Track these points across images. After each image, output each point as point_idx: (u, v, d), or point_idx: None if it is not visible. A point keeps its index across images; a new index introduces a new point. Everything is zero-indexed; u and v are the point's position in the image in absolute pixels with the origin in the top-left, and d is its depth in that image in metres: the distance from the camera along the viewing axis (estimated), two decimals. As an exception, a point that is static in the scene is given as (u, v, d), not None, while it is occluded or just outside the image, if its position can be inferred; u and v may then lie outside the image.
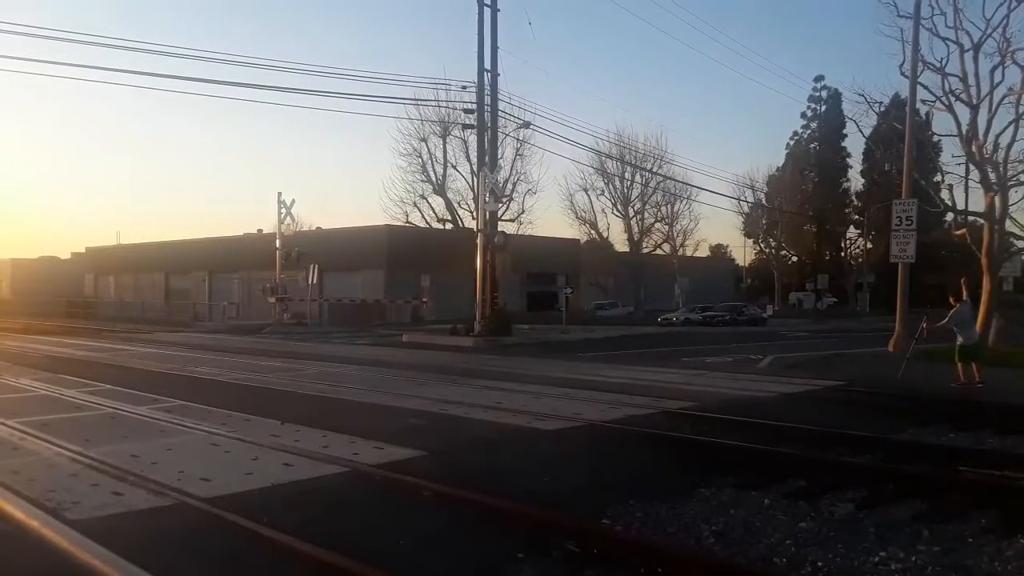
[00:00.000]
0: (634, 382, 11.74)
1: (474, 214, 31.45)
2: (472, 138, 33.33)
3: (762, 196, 63.33)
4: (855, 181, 65.40)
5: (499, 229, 27.15)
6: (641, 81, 65.41)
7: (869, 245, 60.12)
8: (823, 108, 65.35)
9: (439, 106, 38.50)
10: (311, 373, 13.85)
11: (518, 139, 38.75)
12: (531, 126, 31.98)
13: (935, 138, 30.60)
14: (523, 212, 43.41)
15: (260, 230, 47.30)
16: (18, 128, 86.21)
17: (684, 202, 53.82)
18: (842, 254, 66.22)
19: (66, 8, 69.70)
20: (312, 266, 32.97)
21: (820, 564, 4.59)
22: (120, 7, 74.59)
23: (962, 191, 29.21)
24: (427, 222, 43.51)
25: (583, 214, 53.27)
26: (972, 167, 21.97)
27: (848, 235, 66.79)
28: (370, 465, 6.25)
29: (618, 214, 53.41)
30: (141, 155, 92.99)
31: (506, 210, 38.16)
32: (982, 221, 21.52)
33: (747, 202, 61.83)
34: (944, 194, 25.29)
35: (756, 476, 6.39)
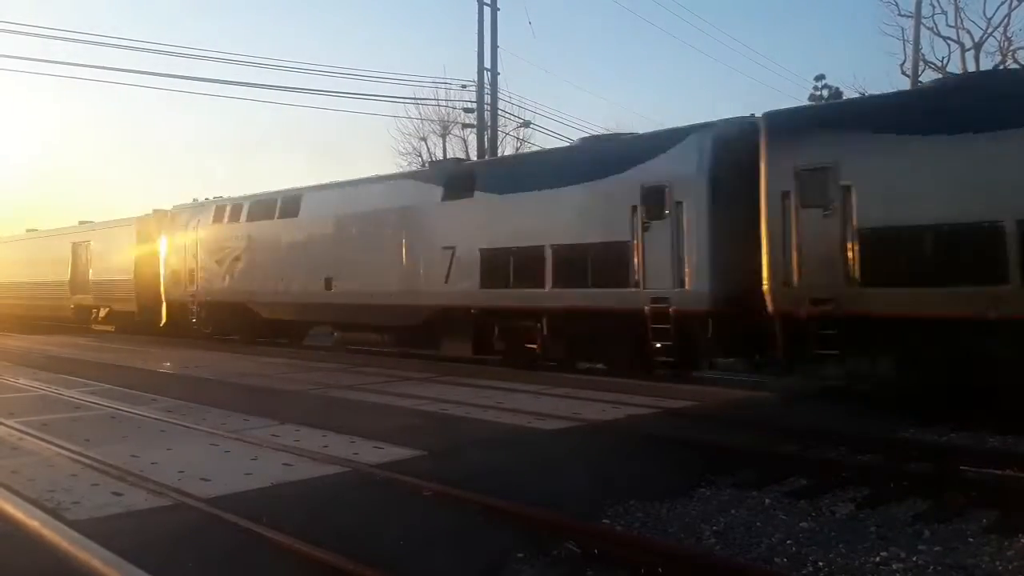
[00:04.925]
0: (634, 381, 11.73)
1: (474, 213, 31.28)
2: (472, 137, 33.26)
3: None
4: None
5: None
6: (641, 80, 65.49)
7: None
8: (823, 107, 65.28)
9: (439, 105, 38.46)
10: (321, 371, 13.85)
11: (518, 138, 38.70)
12: (531, 125, 31.99)
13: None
14: (523, 211, 43.29)
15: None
16: (25, 127, 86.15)
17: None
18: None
19: (72, 8, 69.84)
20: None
21: (821, 564, 4.60)
22: (125, 6, 74.62)
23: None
24: (428, 221, 43.37)
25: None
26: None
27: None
28: (370, 465, 6.24)
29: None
30: (140, 155, 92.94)
31: (506, 209, 37.98)
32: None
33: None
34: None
35: (756, 476, 6.40)
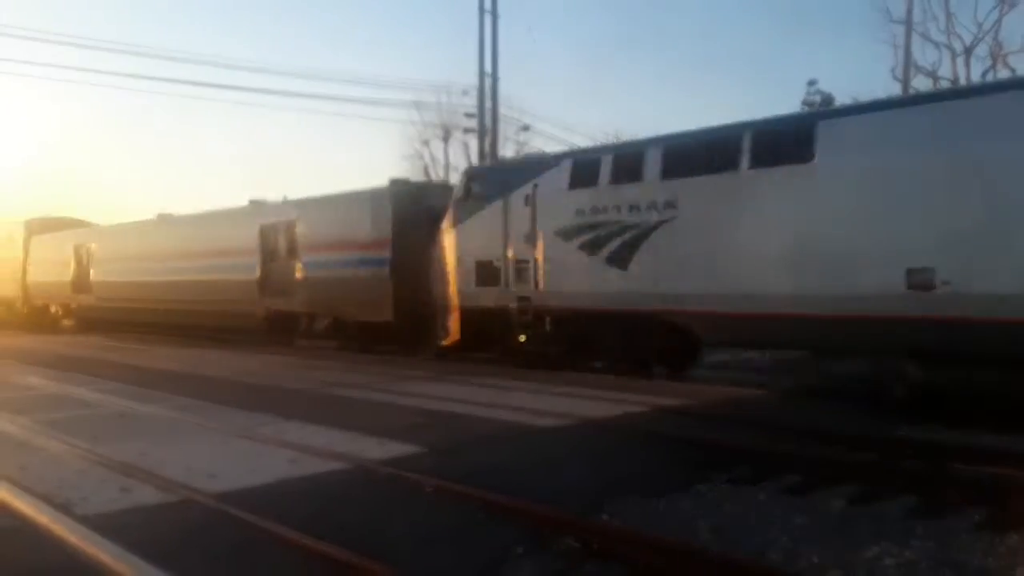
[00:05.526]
0: (633, 380, 11.80)
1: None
2: (473, 141, 33.40)
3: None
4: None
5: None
6: (639, 82, 65.72)
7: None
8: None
9: (440, 110, 38.64)
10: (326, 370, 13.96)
11: (518, 142, 38.89)
12: (531, 129, 32.16)
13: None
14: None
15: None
16: (21, 128, 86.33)
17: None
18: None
19: (71, 12, 70.24)
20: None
21: (815, 559, 4.68)
22: (127, 10, 74.96)
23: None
24: (430, 222, 43.40)
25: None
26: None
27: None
28: (373, 461, 6.34)
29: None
30: (144, 155, 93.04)
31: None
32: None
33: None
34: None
35: (752, 472, 6.48)
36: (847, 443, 7.55)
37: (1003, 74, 20.20)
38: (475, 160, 28.14)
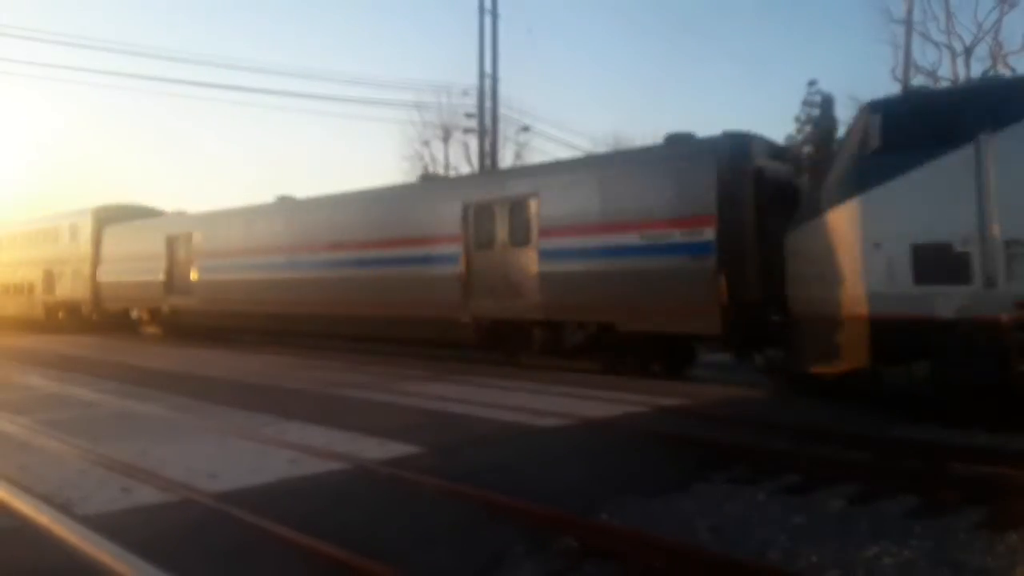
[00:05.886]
0: (631, 380, 11.81)
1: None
2: (473, 141, 33.45)
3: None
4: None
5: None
6: (639, 82, 65.87)
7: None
8: (816, 112, 65.09)
9: (441, 110, 38.69)
10: (326, 370, 13.97)
11: (517, 142, 38.92)
12: (530, 129, 32.19)
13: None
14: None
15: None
16: (25, 128, 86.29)
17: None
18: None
19: (71, 13, 70.37)
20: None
21: (814, 559, 4.69)
22: (128, 11, 75.06)
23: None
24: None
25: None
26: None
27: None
28: (373, 461, 6.35)
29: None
30: (149, 156, 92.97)
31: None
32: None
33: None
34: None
35: (750, 472, 6.50)
36: (846, 443, 7.58)
37: (1003, 74, 20.28)
38: (475, 162, 28.16)
